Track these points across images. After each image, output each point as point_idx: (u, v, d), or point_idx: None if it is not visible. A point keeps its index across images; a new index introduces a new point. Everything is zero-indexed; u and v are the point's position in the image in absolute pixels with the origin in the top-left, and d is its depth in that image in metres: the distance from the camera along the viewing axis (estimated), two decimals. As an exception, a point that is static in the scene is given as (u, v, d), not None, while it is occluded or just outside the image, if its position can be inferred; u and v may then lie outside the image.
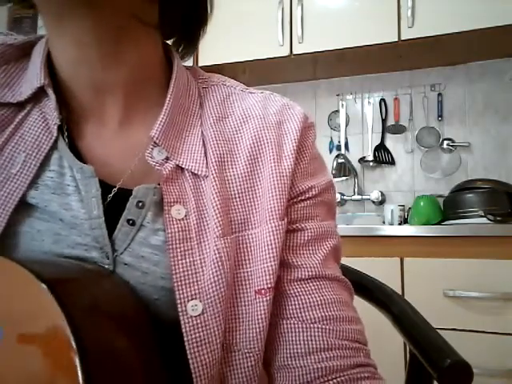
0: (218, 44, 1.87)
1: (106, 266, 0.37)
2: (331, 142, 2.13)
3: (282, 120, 0.44)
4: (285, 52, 1.85)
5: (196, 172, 0.40)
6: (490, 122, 1.91)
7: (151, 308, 0.38)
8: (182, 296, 0.36)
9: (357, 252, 1.46)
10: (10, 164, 0.39)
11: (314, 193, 0.43)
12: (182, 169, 0.40)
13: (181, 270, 0.37)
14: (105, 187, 0.39)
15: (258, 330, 0.38)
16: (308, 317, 0.40)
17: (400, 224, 1.81)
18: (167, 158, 0.40)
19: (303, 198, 0.43)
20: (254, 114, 0.44)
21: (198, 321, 0.36)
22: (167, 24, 0.42)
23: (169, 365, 0.37)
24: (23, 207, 0.38)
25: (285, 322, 0.40)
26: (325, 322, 0.39)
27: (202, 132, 0.43)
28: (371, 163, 2.04)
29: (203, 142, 0.42)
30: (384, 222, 1.85)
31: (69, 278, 0.32)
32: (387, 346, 1.28)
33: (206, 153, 0.41)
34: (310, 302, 0.40)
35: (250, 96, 0.46)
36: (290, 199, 0.42)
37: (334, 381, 0.38)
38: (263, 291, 0.39)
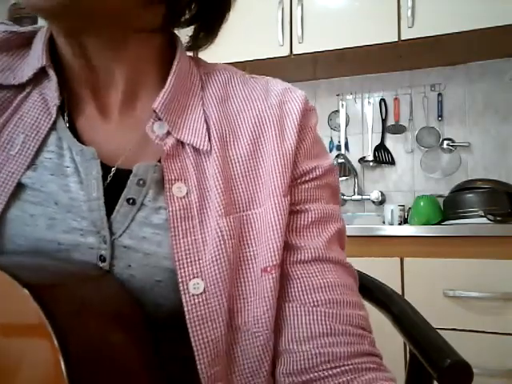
0: (218, 44, 1.87)
1: (103, 252, 0.37)
2: (331, 141, 2.13)
3: (284, 101, 0.43)
4: (285, 52, 1.85)
5: (198, 147, 0.39)
6: (490, 121, 1.91)
7: (153, 290, 0.37)
8: (183, 275, 0.36)
9: (357, 252, 1.45)
10: (9, 145, 0.38)
11: (317, 173, 0.43)
12: (184, 145, 0.40)
13: (182, 248, 0.37)
14: (104, 168, 0.38)
15: (265, 308, 0.38)
16: (310, 300, 0.39)
17: (400, 224, 1.80)
18: (168, 133, 0.39)
19: (307, 178, 0.42)
20: (255, 96, 0.44)
21: (200, 299, 0.36)
22: (175, 23, 0.42)
23: (166, 359, 0.37)
24: (17, 190, 0.37)
25: (287, 305, 0.39)
26: (328, 306, 0.39)
27: (204, 110, 0.42)
28: (371, 163, 2.04)
29: (205, 119, 0.42)
30: (384, 222, 1.85)
31: (54, 283, 0.31)
32: (387, 345, 1.27)
33: (208, 129, 0.41)
34: (312, 285, 0.39)
35: (251, 80, 0.46)
36: (293, 179, 0.42)
37: (338, 369, 0.37)
38: (269, 268, 0.38)
